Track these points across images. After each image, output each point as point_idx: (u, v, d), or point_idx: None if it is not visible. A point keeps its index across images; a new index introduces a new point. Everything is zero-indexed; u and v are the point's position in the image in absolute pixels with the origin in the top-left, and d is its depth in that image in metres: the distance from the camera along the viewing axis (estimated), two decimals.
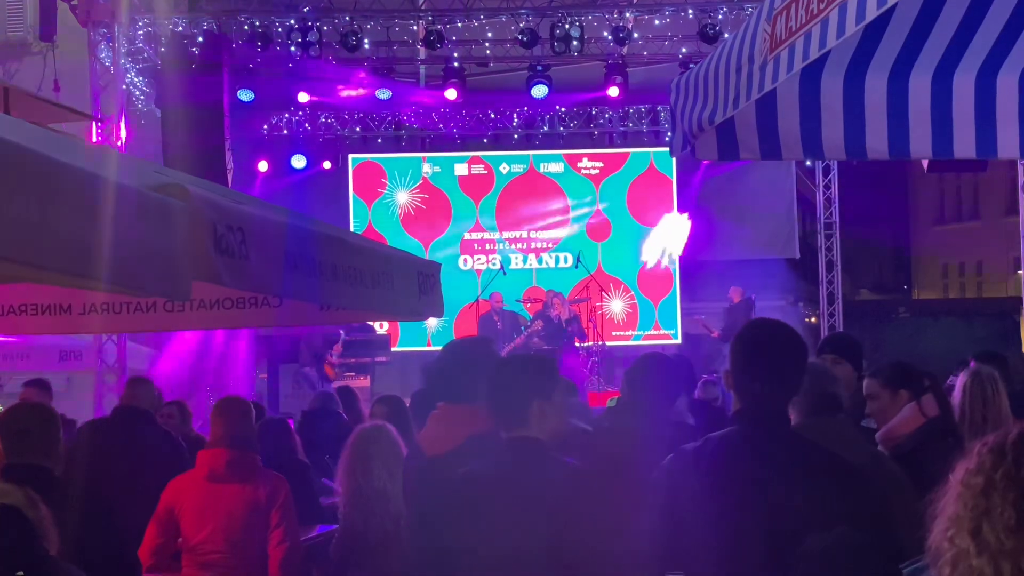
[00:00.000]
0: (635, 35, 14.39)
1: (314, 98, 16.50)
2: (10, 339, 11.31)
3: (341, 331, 15.08)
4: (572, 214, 17.81)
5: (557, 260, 17.70)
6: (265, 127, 17.22)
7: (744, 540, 2.89)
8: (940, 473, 1.93)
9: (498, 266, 17.15)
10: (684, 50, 14.85)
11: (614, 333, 17.20)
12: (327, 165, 17.68)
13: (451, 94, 15.53)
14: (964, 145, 4.42)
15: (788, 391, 3.07)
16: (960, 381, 4.69)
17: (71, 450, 5.58)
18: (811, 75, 4.26)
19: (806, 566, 2.66)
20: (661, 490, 3.06)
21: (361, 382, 14.76)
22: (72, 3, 13.15)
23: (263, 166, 17.32)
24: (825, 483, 2.92)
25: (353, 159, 17.79)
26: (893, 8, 3.10)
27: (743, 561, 2.89)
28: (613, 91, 15.73)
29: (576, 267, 16.70)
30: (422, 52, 15.38)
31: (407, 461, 3.98)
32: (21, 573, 2.87)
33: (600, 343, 15.78)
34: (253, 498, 5.30)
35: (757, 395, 3.04)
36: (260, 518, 5.29)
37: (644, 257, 17.70)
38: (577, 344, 15.44)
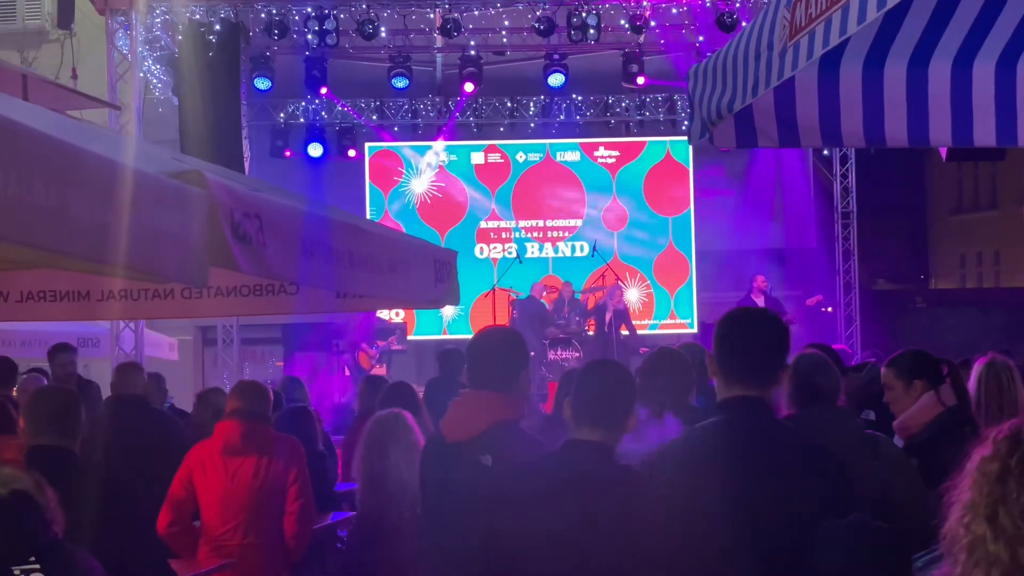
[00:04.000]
0: (652, 23, 14.35)
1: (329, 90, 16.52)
2: (27, 325, 11.37)
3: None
4: (588, 203, 17.78)
5: (573, 249, 17.67)
6: (282, 115, 17.24)
7: (728, 529, 2.87)
8: (956, 462, 1.93)
9: (514, 255, 17.15)
10: (701, 39, 14.81)
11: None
12: (352, 153, 17.66)
13: (468, 87, 15.55)
14: (984, 132, 4.38)
15: (769, 378, 3.05)
16: (975, 371, 4.66)
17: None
18: (831, 62, 4.23)
19: (822, 552, 2.66)
20: (653, 486, 3.03)
21: (378, 370, 14.80)
22: None
23: (285, 154, 17.37)
24: (802, 472, 2.92)
25: (369, 147, 17.77)
26: None
27: (731, 551, 2.87)
28: (639, 79, 15.68)
29: (592, 256, 16.68)
30: (439, 40, 15.38)
31: (430, 446, 3.98)
32: (32, 559, 2.91)
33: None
34: (269, 468, 5.45)
35: (738, 383, 3.02)
36: (278, 489, 5.45)
37: None
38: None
